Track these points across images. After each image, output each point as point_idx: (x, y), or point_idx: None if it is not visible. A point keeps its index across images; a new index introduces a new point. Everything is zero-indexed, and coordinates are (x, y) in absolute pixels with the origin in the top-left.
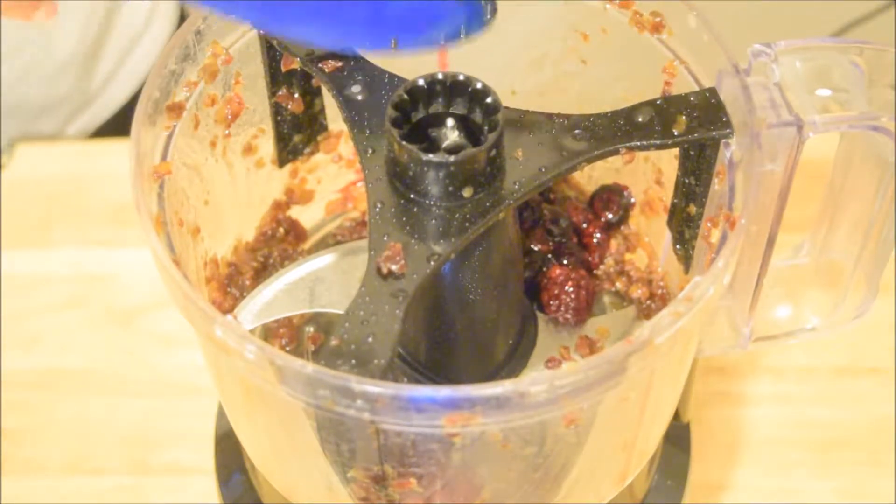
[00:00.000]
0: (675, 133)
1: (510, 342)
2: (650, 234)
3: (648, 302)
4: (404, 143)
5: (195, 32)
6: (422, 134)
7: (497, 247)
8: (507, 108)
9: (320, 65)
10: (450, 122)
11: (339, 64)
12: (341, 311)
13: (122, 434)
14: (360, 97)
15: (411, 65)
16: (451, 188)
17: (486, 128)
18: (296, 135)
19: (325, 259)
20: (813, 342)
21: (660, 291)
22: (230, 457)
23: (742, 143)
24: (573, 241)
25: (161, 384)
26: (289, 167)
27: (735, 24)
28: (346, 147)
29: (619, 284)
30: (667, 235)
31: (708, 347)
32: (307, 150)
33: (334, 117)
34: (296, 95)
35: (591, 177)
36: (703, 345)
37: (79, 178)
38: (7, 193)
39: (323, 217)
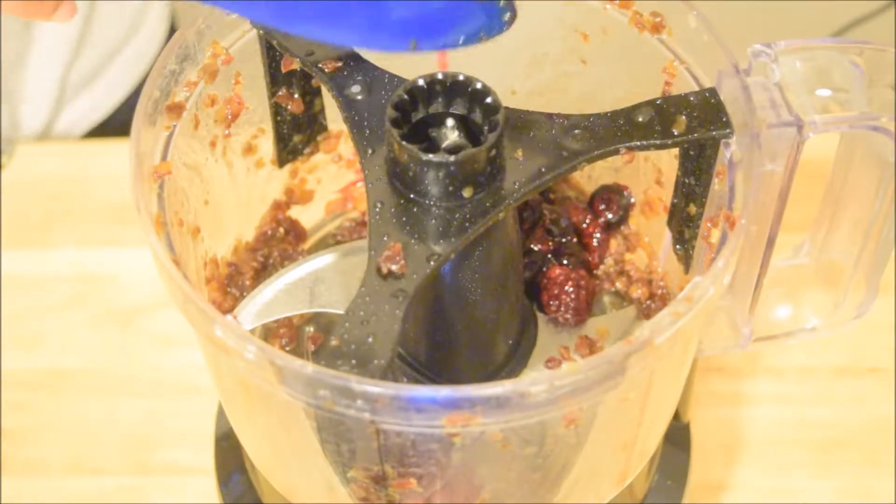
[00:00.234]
0: (675, 133)
1: (510, 342)
2: (650, 234)
3: (648, 302)
4: (404, 143)
5: (195, 32)
6: (422, 134)
7: (497, 247)
8: (506, 108)
9: (320, 65)
10: (450, 122)
11: (339, 64)
12: (341, 311)
13: (123, 434)
14: (360, 97)
15: (411, 65)
16: (451, 188)
17: (486, 128)
18: (296, 135)
19: (325, 259)
20: (813, 342)
21: (660, 291)
22: (230, 457)
23: (742, 143)
24: (573, 241)
25: (161, 384)
26: (289, 167)
27: (735, 24)
28: (346, 147)
29: (619, 284)
30: (667, 235)
31: (708, 347)
32: (307, 151)
33: (334, 117)
34: (296, 95)
35: (590, 177)
36: (703, 345)
37: (79, 178)
38: (7, 193)
39: (323, 217)
